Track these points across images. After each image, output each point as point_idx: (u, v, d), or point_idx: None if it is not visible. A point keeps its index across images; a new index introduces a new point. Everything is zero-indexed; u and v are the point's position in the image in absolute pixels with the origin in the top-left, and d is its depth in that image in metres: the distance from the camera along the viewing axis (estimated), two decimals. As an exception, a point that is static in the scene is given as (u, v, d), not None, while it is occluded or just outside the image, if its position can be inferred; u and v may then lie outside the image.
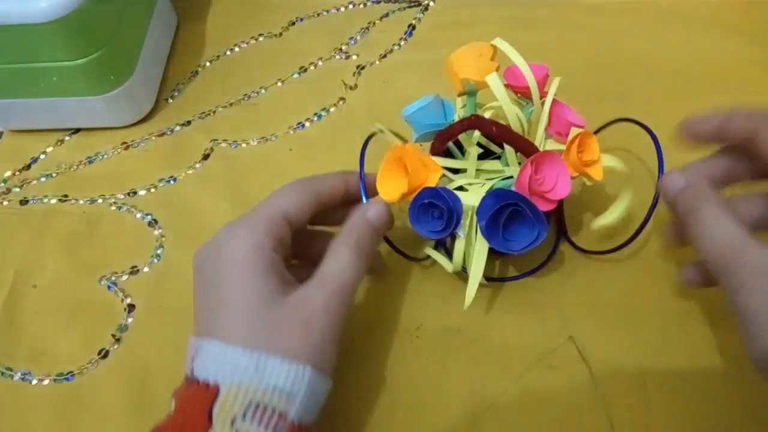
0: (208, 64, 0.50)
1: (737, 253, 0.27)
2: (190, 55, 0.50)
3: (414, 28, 0.50)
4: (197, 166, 0.44)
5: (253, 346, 0.27)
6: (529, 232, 0.31)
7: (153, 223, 0.42)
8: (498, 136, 0.32)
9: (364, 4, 0.52)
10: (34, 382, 0.36)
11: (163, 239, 0.41)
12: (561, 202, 0.37)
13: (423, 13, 0.51)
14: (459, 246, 0.33)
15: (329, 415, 0.34)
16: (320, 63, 0.49)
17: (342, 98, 0.47)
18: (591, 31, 0.48)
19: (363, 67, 0.48)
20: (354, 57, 0.49)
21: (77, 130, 0.47)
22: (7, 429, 0.35)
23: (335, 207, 0.34)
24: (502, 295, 0.37)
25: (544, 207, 0.31)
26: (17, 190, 0.44)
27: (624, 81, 0.45)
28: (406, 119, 0.36)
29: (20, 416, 0.35)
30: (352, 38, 0.50)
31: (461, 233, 0.32)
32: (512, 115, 0.33)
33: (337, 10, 0.52)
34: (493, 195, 0.31)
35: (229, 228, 0.30)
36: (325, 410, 0.34)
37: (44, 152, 0.46)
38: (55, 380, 0.36)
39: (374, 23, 0.51)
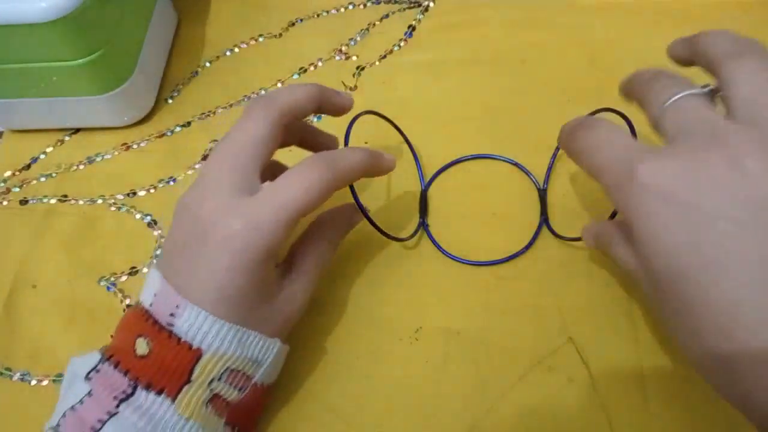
0: (208, 64, 0.50)
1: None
2: (190, 55, 0.50)
3: (414, 29, 0.50)
4: (197, 166, 0.44)
5: (238, 323, 0.29)
6: None
7: (152, 223, 0.42)
8: None
9: (364, 5, 0.52)
10: (33, 382, 0.36)
11: (163, 240, 0.41)
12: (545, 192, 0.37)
13: (423, 14, 0.51)
14: None
15: (328, 417, 0.34)
16: (320, 64, 0.49)
17: (342, 99, 0.47)
18: (591, 31, 0.48)
19: (363, 68, 0.48)
20: (354, 58, 0.49)
21: (77, 130, 0.47)
22: (6, 429, 0.35)
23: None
24: (501, 297, 0.37)
25: None
26: (17, 190, 0.44)
27: (624, 82, 0.45)
28: None
29: (19, 416, 0.35)
30: (351, 39, 0.50)
31: None
32: None
33: (337, 11, 0.52)
34: None
35: (249, 226, 0.29)
36: (323, 412, 0.34)
37: (44, 152, 0.46)
38: (54, 381, 0.36)
39: (374, 24, 0.51)
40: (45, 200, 0.44)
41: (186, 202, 0.31)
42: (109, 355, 0.29)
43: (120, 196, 0.43)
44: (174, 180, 0.44)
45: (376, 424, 0.34)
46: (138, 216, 0.42)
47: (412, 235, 0.38)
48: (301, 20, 0.52)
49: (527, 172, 0.41)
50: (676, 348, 0.34)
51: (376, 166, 0.34)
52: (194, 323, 0.28)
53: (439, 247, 0.38)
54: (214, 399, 0.29)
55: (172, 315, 0.28)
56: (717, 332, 0.24)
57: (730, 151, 0.24)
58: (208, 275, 0.29)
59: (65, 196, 0.44)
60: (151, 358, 0.28)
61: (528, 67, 0.47)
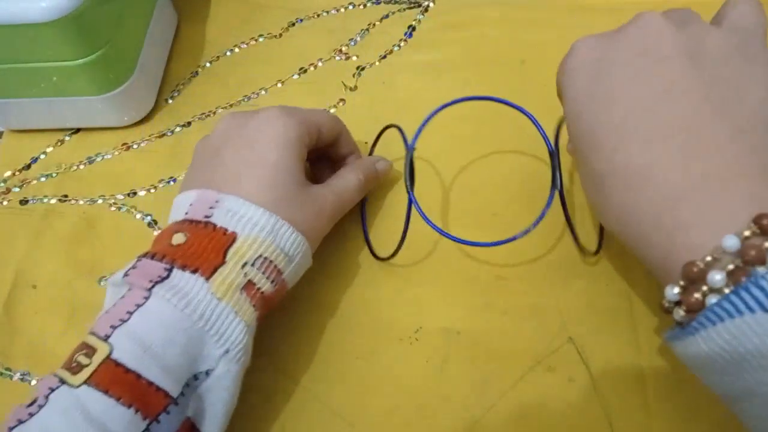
0: (208, 64, 0.50)
1: None
2: (190, 55, 0.50)
3: (414, 29, 0.50)
4: (197, 166, 0.44)
5: (273, 211, 0.31)
6: None
7: (153, 223, 0.42)
8: None
9: (364, 5, 0.52)
10: (34, 382, 0.36)
11: (163, 240, 0.41)
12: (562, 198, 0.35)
13: (423, 14, 0.51)
14: None
15: (328, 417, 0.34)
16: (320, 64, 0.49)
17: (342, 99, 0.47)
18: (591, 32, 0.48)
19: (363, 68, 0.48)
20: (354, 58, 0.49)
21: (77, 130, 0.47)
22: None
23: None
24: (501, 297, 0.37)
25: None
26: (17, 190, 0.44)
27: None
28: None
29: (19, 417, 0.35)
30: (352, 39, 0.50)
31: None
32: None
33: (337, 11, 0.52)
34: None
35: (283, 111, 0.34)
36: (324, 412, 0.34)
37: (44, 152, 0.46)
38: (54, 381, 0.36)
39: (374, 24, 0.51)
40: (45, 200, 0.44)
41: (242, 121, 0.35)
42: (145, 254, 0.30)
43: (120, 196, 0.43)
44: (174, 180, 0.44)
45: (377, 424, 0.34)
46: (138, 216, 0.42)
47: (393, 254, 0.37)
48: (301, 20, 0.52)
49: (537, 126, 0.35)
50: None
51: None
52: (231, 209, 0.30)
53: (430, 223, 0.34)
54: (249, 286, 0.30)
55: (211, 208, 0.31)
56: (624, 190, 0.27)
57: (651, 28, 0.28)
58: (253, 171, 0.32)
59: (65, 196, 0.44)
60: (187, 244, 0.29)
61: (528, 67, 0.47)
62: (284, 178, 0.32)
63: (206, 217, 0.30)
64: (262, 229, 0.30)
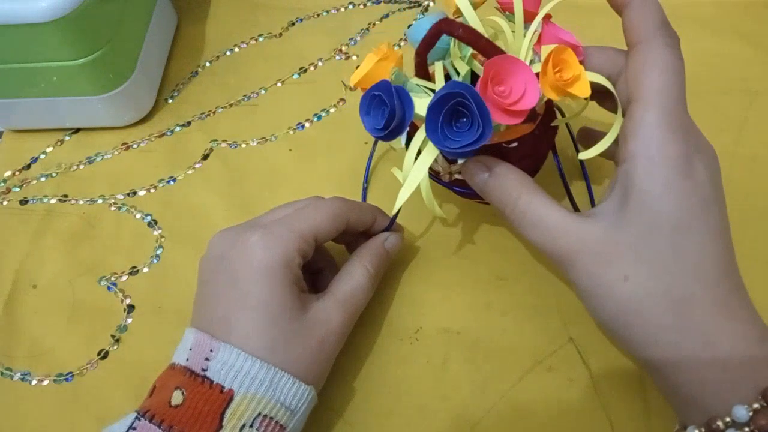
0: (208, 64, 0.50)
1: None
2: (190, 55, 0.50)
3: (414, 28, 0.50)
4: (197, 166, 0.44)
5: (270, 359, 0.29)
6: (473, 131, 0.27)
7: (153, 223, 0.42)
8: (463, 39, 0.29)
9: (364, 5, 0.52)
10: (34, 382, 0.36)
11: (163, 240, 0.41)
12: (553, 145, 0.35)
13: (423, 14, 0.51)
14: (408, 156, 0.30)
15: (329, 417, 0.34)
16: (320, 63, 0.49)
17: (342, 99, 0.47)
18: (591, 31, 0.48)
19: (363, 68, 0.48)
20: (354, 57, 0.49)
21: (77, 130, 0.47)
22: (6, 429, 0.35)
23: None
24: (501, 297, 0.37)
25: (505, 120, 0.28)
26: (17, 190, 0.44)
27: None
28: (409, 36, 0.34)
29: (20, 416, 0.35)
30: (352, 39, 0.50)
31: (402, 142, 0.30)
32: (485, 29, 0.32)
33: (337, 10, 0.52)
34: (444, 87, 0.28)
35: (264, 234, 0.30)
36: (324, 412, 0.34)
37: (44, 152, 0.46)
38: (54, 381, 0.36)
39: (374, 24, 0.51)
40: (45, 200, 0.44)
41: (224, 252, 0.31)
42: (144, 411, 0.28)
43: (120, 196, 0.43)
44: (174, 180, 0.44)
45: (377, 424, 0.34)
46: (138, 216, 0.42)
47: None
48: (301, 20, 0.52)
49: None
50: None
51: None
52: (227, 362, 0.28)
53: (434, 178, 0.35)
54: None
55: (206, 359, 0.29)
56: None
57: None
58: (241, 313, 0.29)
59: (65, 196, 0.44)
60: (184, 406, 0.28)
61: (528, 67, 0.47)
62: (275, 316, 0.29)
63: (203, 370, 0.28)
64: (261, 384, 0.28)
